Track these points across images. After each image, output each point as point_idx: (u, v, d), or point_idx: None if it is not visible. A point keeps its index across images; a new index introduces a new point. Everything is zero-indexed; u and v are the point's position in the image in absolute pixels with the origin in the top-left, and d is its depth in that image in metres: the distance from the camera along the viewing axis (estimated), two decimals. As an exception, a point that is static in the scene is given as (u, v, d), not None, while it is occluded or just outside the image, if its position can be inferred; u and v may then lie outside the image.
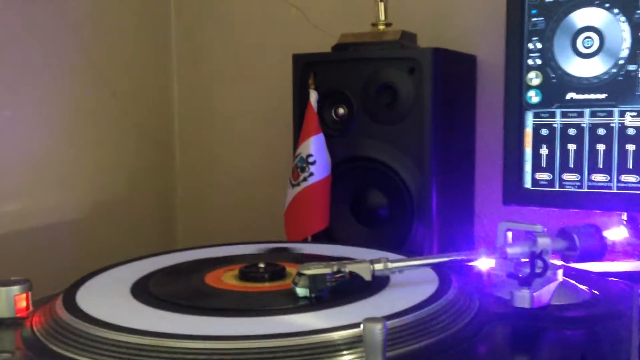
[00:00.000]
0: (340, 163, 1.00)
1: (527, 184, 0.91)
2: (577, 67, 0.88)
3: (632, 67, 0.84)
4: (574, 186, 0.88)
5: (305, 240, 0.98)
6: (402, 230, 0.96)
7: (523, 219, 1.05)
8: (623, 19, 0.84)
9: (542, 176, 0.90)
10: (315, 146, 0.97)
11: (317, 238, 0.98)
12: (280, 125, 1.15)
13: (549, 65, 0.89)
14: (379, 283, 0.66)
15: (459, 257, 0.69)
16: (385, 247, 0.90)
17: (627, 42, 0.85)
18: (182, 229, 1.39)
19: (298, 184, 0.97)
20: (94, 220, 1.16)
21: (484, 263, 0.77)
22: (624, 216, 0.92)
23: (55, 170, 1.10)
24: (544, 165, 0.89)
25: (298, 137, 1.00)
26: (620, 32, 0.85)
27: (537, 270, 0.65)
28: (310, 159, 0.97)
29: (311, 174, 0.96)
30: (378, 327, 0.49)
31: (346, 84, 0.99)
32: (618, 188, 0.85)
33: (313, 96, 0.98)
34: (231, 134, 1.34)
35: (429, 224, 0.94)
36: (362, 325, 0.49)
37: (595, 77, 0.87)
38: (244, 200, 1.33)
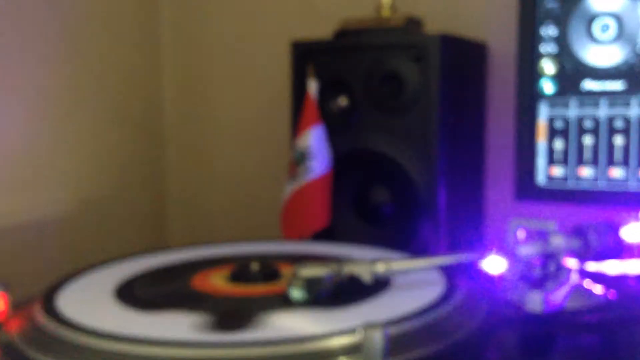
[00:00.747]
0: (342, 157, 0.95)
1: (541, 179, 0.86)
2: (593, 55, 0.83)
3: (652, 55, 0.80)
4: (589, 182, 0.83)
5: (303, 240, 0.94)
6: (408, 228, 0.92)
7: (535, 216, 1.01)
8: (643, 3, 0.80)
9: (556, 171, 0.85)
10: (314, 139, 0.92)
11: (317, 237, 0.94)
12: (278, 118, 1.11)
13: (563, 52, 0.84)
14: (380, 285, 0.63)
15: (466, 258, 0.65)
16: (390, 246, 0.86)
17: (647, 28, 0.80)
18: (174, 227, 1.35)
19: (295, 180, 0.93)
20: (81, 218, 1.12)
21: (495, 263, 0.73)
22: (642, 213, 0.87)
23: (41, 166, 1.06)
24: (558, 160, 0.85)
25: (296, 129, 0.95)
26: (640, 17, 0.80)
27: (550, 271, 0.61)
28: (309, 153, 0.92)
29: (310, 169, 0.92)
30: (378, 334, 0.46)
31: (348, 73, 0.94)
32: (636, 183, 0.81)
33: (312, 86, 0.94)
34: (225, 127, 1.30)
35: (436, 222, 0.90)
36: (360, 332, 0.46)
37: (613, 66, 0.82)
38: (239, 197, 1.29)
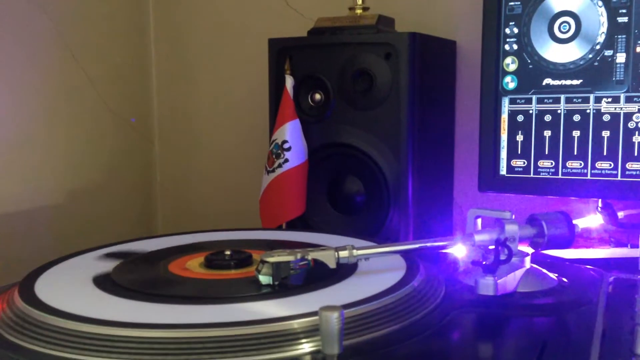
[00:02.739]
0: (317, 149, 0.99)
1: (503, 170, 0.90)
2: (553, 53, 0.87)
3: (608, 53, 0.84)
4: (548, 173, 0.87)
5: (280, 227, 0.98)
6: (379, 217, 0.96)
7: (502, 206, 1.05)
8: (600, 3, 0.83)
9: (518, 163, 0.89)
10: (290, 132, 0.96)
11: (293, 225, 0.98)
12: (259, 111, 1.14)
13: (525, 50, 0.88)
14: (346, 270, 0.66)
15: (427, 244, 0.69)
16: (362, 234, 0.90)
17: (603, 27, 0.83)
18: (161, 216, 1.39)
19: (273, 170, 0.97)
20: (70, 207, 1.15)
21: (459, 250, 0.77)
22: (600, 203, 0.91)
23: (31, 156, 1.09)
24: (520, 152, 0.89)
25: (274, 122, 0.99)
26: (598, 16, 0.84)
27: (502, 257, 0.65)
28: (286, 145, 0.96)
29: (286, 160, 0.96)
30: (334, 315, 0.49)
31: (322, 69, 0.98)
32: (592, 175, 0.85)
33: (289, 81, 0.97)
34: (210, 119, 1.34)
35: (405, 211, 0.94)
36: (318, 314, 0.49)
37: (572, 63, 0.86)
38: (223, 186, 1.33)
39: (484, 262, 0.65)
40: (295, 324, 0.53)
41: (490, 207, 1.05)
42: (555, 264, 0.78)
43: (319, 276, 0.64)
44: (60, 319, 0.53)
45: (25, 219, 1.07)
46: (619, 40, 0.83)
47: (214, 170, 1.34)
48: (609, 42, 0.83)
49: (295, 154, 0.96)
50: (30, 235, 1.08)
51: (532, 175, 0.88)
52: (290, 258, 0.63)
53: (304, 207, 0.98)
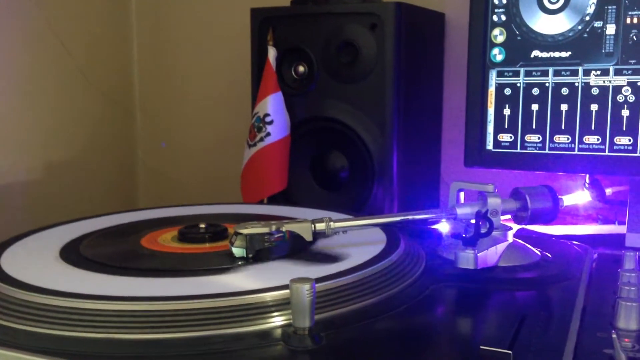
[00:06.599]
0: (300, 123, 0.97)
1: (489, 145, 0.88)
2: (542, 24, 0.84)
3: (598, 24, 0.81)
4: (535, 147, 0.86)
5: (261, 202, 0.96)
6: (363, 192, 0.94)
7: (489, 181, 1.03)
8: (591, -28, 0.81)
9: (505, 137, 0.87)
10: (273, 105, 0.94)
11: (275, 200, 0.96)
12: (241, 84, 1.12)
13: (513, 21, 0.86)
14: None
15: (408, 217, 0.68)
16: (345, 209, 0.88)
17: (594, -3, 0.81)
18: (143, 192, 1.37)
19: (255, 144, 0.95)
20: (47, 182, 1.13)
21: (444, 225, 0.75)
22: (587, 179, 0.90)
23: (9, 130, 1.07)
24: (507, 126, 0.87)
25: (256, 95, 0.97)
26: (588, -14, 0.81)
27: (483, 230, 0.63)
28: (268, 119, 0.94)
29: (268, 134, 0.94)
30: (305, 287, 0.48)
31: (306, 41, 0.95)
32: (580, 149, 0.83)
33: (271, 53, 0.95)
34: (192, 93, 1.31)
35: (390, 187, 0.92)
36: (289, 286, 0.48)
37: (561, 35, 0.83)
38: (205, 161, 1.31)
39: (464, 235, 0.64)
40: (267, 296, 0.52)
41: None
42: (539, 239, 0.77)
43: (294, 249, 0.62)
44: (24, 291, 0.52)
45: (2, 193, 1.05)
46: (609, 11, 0.81)
47: (197, 144, 1.32)
48: (599, 13, 0.81)
49: (278, 128, 0.94)
50: (6, 210, 1.06)
51: (519, 150, 0.87)
52: (265, 230, 0.61)
53: (286, 182, 0.96)
